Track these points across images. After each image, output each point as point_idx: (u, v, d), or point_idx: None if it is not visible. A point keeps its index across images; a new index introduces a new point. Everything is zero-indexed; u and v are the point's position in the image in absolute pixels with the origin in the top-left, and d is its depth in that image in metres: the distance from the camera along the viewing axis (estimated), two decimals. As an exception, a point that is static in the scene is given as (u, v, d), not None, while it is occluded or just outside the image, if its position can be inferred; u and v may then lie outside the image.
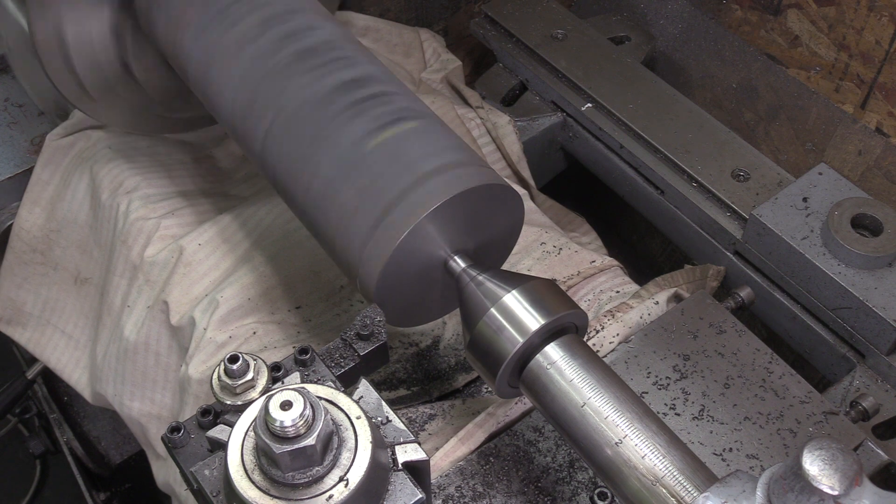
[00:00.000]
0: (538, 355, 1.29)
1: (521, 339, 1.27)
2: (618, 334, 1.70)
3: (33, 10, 1.63)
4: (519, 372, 1.31)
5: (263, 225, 1.90)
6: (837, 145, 2.33)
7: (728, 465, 1.53)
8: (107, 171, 2.00)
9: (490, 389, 1.68)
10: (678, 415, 1.59)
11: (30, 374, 2.48)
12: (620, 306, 1.75)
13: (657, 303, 1.75)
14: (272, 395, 1.00)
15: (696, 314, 1.73)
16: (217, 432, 1.15)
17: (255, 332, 1.75)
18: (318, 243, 1.54)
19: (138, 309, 1.88)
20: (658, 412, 1.58)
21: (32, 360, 2.43)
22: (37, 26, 1.65)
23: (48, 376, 2.53)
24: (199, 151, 2.14)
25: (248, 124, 1.54)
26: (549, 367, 1.28)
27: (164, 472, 1.93)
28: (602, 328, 1.70)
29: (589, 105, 2.23)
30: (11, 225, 2.11)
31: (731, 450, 1.55)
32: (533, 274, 1.80)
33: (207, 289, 1.82)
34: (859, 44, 2.21)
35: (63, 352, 2.15)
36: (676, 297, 1.80)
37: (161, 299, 1.83)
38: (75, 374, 2.14)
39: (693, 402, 1.61)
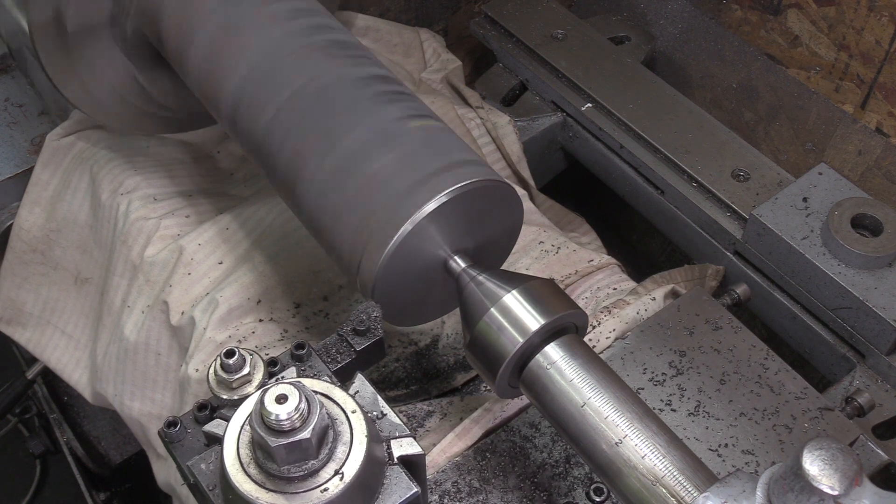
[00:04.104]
0: (538, 355, 1.29)
1: (521, 339, 1.27)
2: (614, 330, 1.70)
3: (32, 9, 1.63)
4: (519, 372, 1.31)
5: (263, 225, 1.90)
6: (837, 145, 2.33)
7: (724, 460, 1.53)
8: (107, 171, 2.00)
9: (489, 388, 1.68)
10: (674, 411, 1.59)
11: (30, 374, 2.48)
12: (617, 303, 1.75)
13: (654, 299, 1.75)
14: (268, 388, 1.01)
15: (693, 311, 1.73)
16: (213, 427, 1.15)
17: (254, 332, 1.75)
18: (317, 243, 1.54)
19: (138, 309, 1.88)
20: (654, 408, 1.58)
21: (32, 360, 2.43)
22: (36, 25, 1.65)
23: (48, 376, 2.53)
24: (199, 151, 2.14)
25: (255, 105, 1.53)
26: (549, 367, 1.28)
27: (165, 472, 1.93)
28: (598, 324, 1.70)
29: (589, 105, 2.23)
30: (11, 225, 2.10)
31: (726, 446, 1.55)
32: (531, 273, 1.79)
33: (207, 288, 1.82)
34: (859, 44, 2.21)
35: (63, 352, 2.15)
36: (674, 294, 1.80)
37: (161, 299, 1.83)
38: (75, 374, 2.14)
39: (689, 398, 1.61)
